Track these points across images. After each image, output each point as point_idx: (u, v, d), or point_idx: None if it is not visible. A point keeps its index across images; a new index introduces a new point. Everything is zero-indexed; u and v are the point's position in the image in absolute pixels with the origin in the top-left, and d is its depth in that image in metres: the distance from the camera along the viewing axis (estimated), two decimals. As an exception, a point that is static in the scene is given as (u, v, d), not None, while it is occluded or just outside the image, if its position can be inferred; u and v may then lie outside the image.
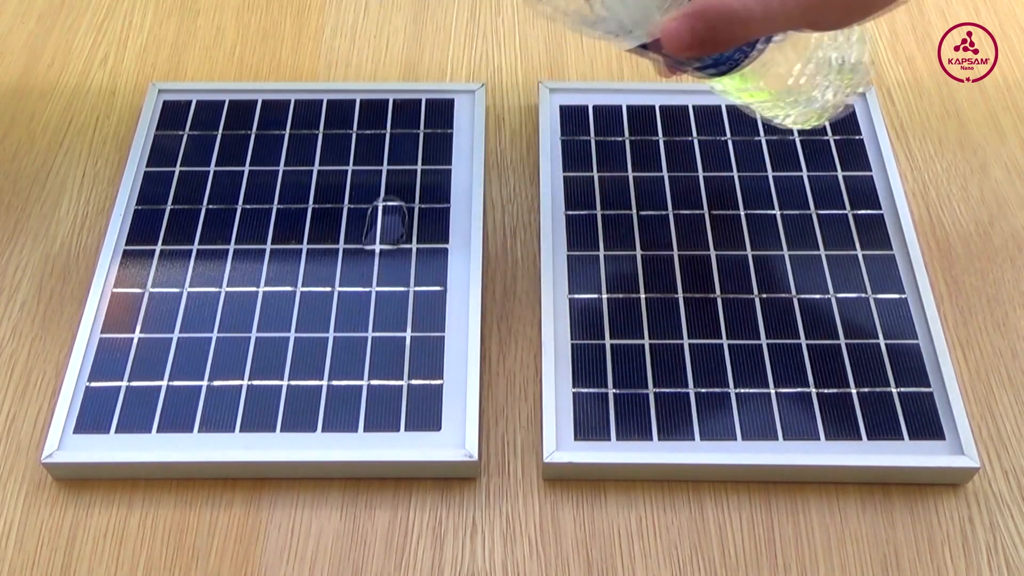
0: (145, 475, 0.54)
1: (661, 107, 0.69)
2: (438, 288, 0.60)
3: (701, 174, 0.65)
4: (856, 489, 0.54)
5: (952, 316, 0.61)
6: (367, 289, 0.60)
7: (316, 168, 0.66)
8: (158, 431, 0.55)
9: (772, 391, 0.56)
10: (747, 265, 0.61)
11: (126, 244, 0.62)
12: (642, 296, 0.60)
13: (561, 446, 0.54)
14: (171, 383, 0.56)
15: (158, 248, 0.62)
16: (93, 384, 0.56)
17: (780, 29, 0.45)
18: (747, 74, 0.47)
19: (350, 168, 0.66)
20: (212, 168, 0.66)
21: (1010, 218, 0.65)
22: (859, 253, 0.62)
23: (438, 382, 0.56)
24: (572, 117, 0.68)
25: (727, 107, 0.68)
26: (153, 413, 0.55)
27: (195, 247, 0.62)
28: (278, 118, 0.68)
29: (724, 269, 0.61)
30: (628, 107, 0.69)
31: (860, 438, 0.54)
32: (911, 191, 0.67)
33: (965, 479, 0.54)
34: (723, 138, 0.67)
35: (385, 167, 0.66)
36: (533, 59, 0.75)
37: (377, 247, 0.62)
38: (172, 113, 0.69)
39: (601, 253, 0.62)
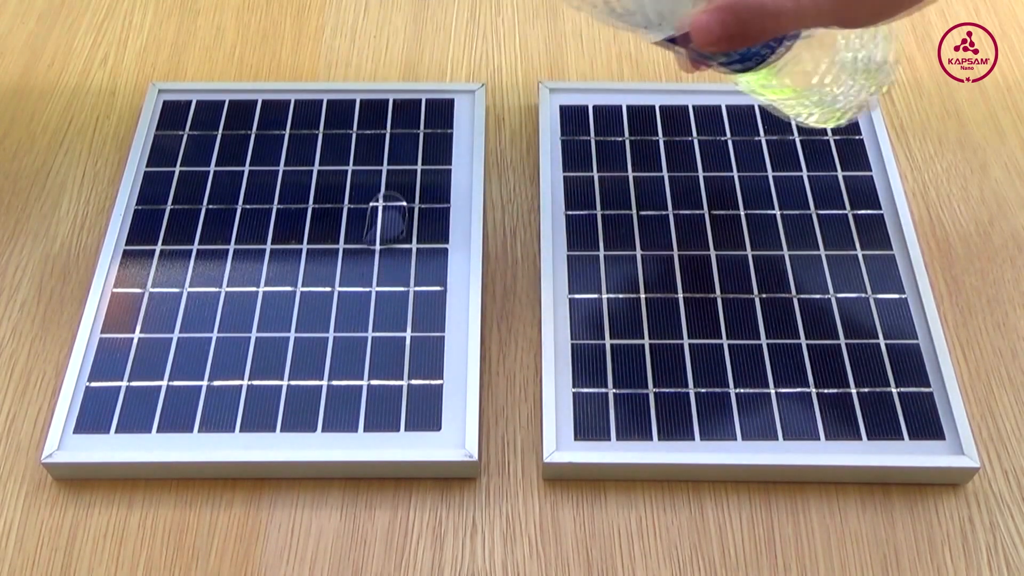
0: (145, 475, 0.54)
1: (661, 107, 0.69)
2: (438, 288, 0.60)
3: (701, 174, 0.65)
4: (856, 489, 0.54)
5: (952, 316, 0.61)
6: (367, 289, 0.60)
7: (316, 168, 0.66)
8: (158, 431, 0.55)
9: (772, 391, 0.56)
10: (747, 265, 0.61)
11: (126, 244, 0.62)
12: (642, 296, 0.60)
13: (561, 446, 0.54)
14: (171, 383, 0.56)
15: (158, 248, 0.62)
16: (93, 384, 0.56)
17: (810, 25, 0.44)
18: (772, 71, 0.47)
19: (350, 168, 0.66)
20: (212, 168, 0.66)
21: (1010, 218, 0.65)
22: (859, 253, 0.62)
23: (438, 382, 0.56)
24: (572, 117, 0.68)
25: (727, 107, 0.68)
26: (153, 413, 0.55)
27: (195, 247, 0.62)
28: (278, 118, 0.68)
29: (724, 269, 0.61)
30: (628, 107, 0.69)
31: (860, 438, 0.54)
32: (911, 191, 0.66)
33: (965, 479, 0.54)
34: (723, 138, 0.67)
35: (385, 167, 0.66)
36: (533, 59, 0.75)
37: (377, 245, 0.62)
38: (172, 113, 0.69)
39: (601, 253, 0.62)
